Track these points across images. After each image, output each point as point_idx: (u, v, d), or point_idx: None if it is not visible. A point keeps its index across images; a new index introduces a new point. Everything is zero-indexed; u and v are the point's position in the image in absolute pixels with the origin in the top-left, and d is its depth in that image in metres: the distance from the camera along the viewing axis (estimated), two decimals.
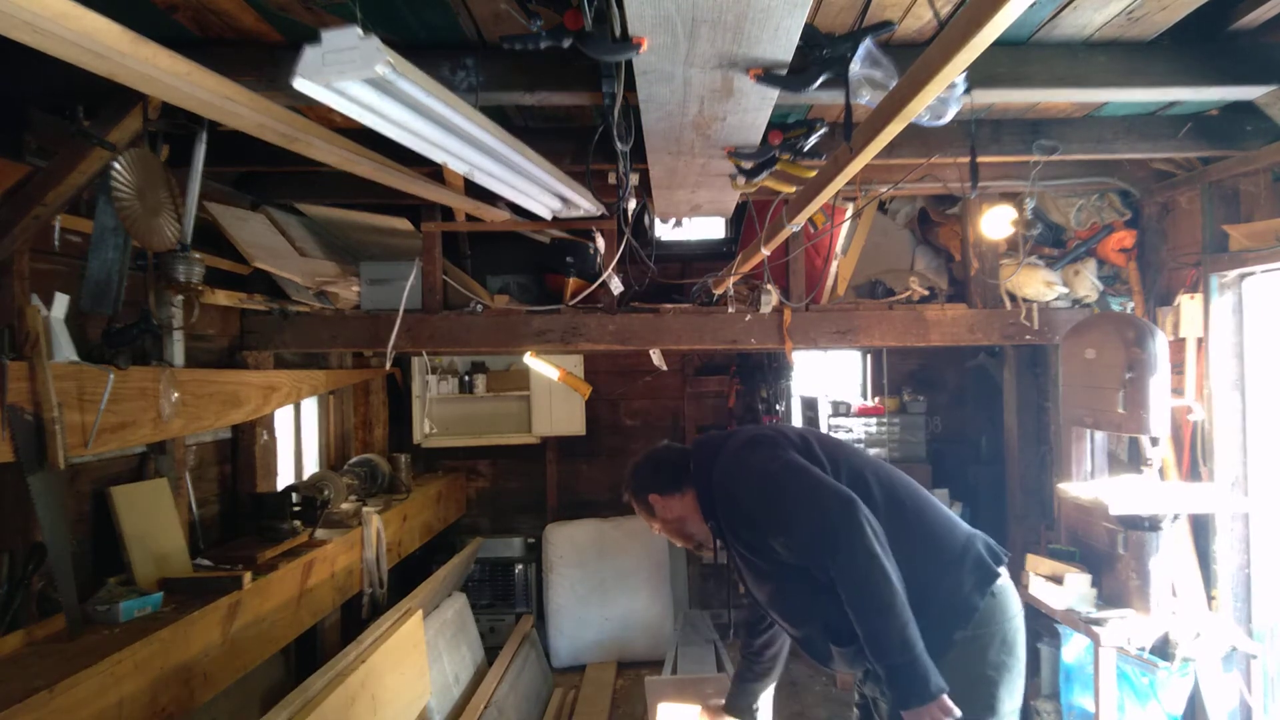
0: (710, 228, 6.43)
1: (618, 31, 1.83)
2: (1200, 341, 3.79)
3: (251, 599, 3.15)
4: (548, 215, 3.68)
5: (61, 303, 2.75)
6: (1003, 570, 2.25)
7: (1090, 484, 4.06)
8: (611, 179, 3.69)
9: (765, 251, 3.61)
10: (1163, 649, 3.48)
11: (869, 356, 6.40)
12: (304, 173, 4.04)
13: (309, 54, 1.69)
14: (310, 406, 5.16)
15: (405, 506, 4.94)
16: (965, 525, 2.33)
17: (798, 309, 4.46)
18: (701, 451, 2.47)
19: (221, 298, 3.78)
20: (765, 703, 2.75)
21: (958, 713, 1.99)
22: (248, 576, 3.14)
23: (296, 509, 3.90)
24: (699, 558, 6.30)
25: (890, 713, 2.17)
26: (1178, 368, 3.84)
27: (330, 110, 1.95)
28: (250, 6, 2.36)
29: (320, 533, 4.01)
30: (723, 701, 2.76)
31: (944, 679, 2.01)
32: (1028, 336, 4.41)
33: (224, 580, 3.10)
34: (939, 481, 5.47)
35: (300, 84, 1.74)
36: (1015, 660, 2.22)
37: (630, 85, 2.22)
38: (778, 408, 6.13)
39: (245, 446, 4.15)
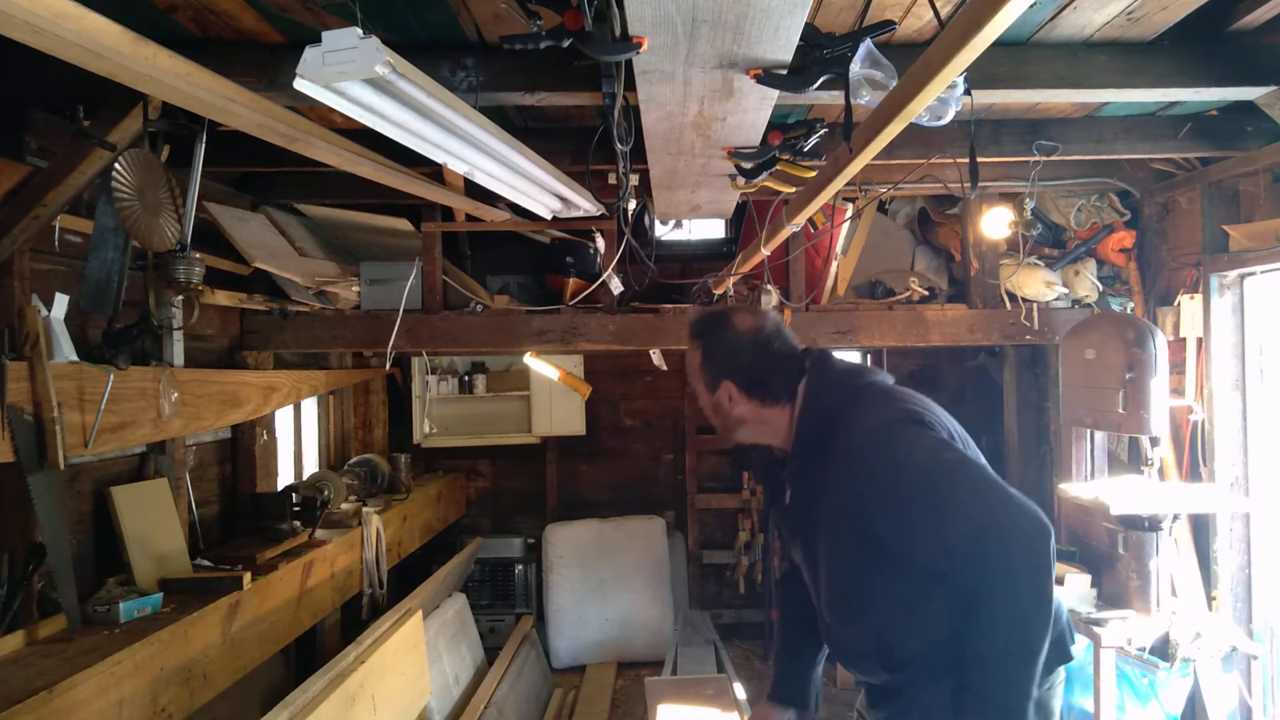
0: (710, 228, 6.43)
1: (618, 31, 1.83)
2: (1200, 341, 3.79)
3: (251, 599, 3.15)
4: (548, 215, 3.68)
5: (61, 303, 2.75)
6: (1073, 654, 1.96)
7: (1090, 484, 4.05)
8: (611, 179, 3.69)
9: (765, 251, 3.61)
10: (1163, 649, 3.48)
11: (869, 356, 6.40)
12: (304, 173, 4.04)
13: (309, 54, 1.69)
14: (310, 406, 5.16)
15: (405, 507, 4.94)
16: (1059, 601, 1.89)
17: (798, 309, 4.46)
18: (825, 389, 1.93)
19: (221, 298, 3.78)
20: (817, 684, 2.26)
21: None
22: (248, 577, 3.14)
23: (296, 509, 3.90)
24: (699, 558, 6.31)
25: None
26: (1178, 368, 3.84)
27: (330, 110, 1.95)
28: (250, 6, 2.36)
29: (320, 533, 4.01)
30: (768, 697, 2.27)
31: None
32: (1028, 336, 4.41)
33: (224, 580, 3.10)
34: None
35: (300, 84, 1.74)
36: None
37: (630, 85, 2.22)
38: None
39: (245, 446, 4.15)
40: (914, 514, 1.72)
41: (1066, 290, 4.41)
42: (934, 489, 1.70)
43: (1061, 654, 1.88)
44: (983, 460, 1.78)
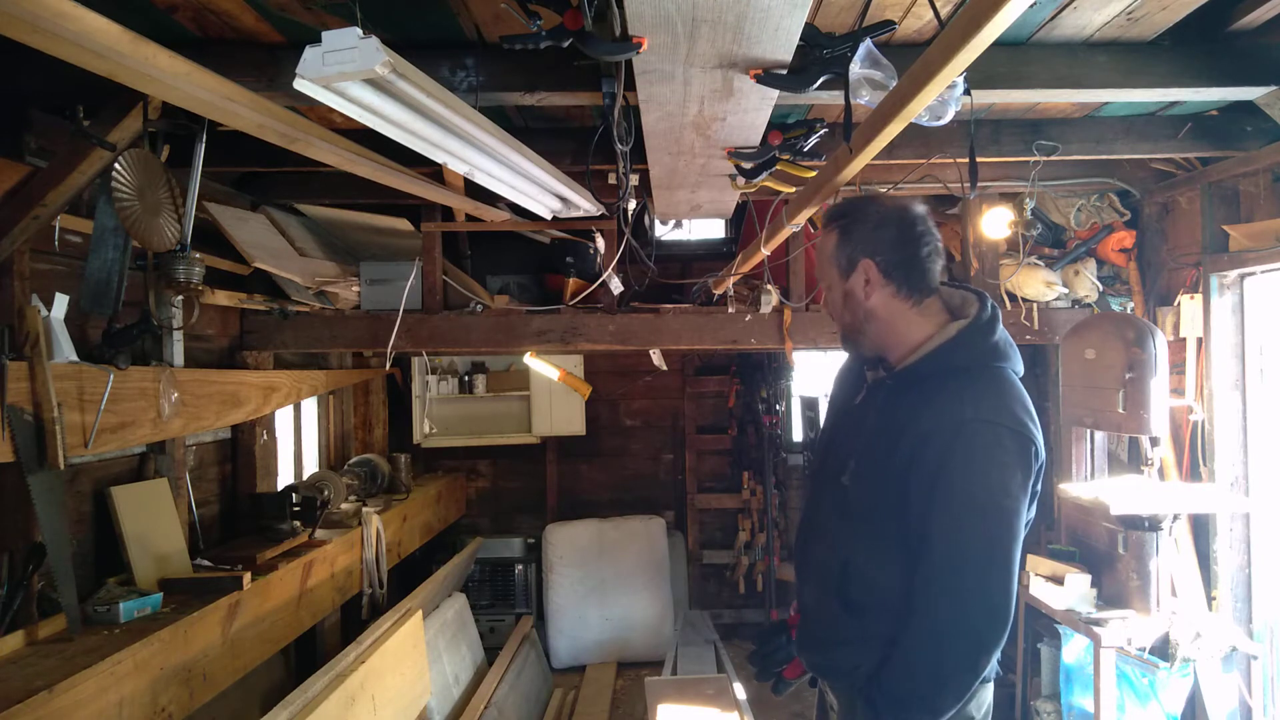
0: (710, 228, 6.43)
1: (618, 31, 1.83)
2: (1200, 341, 3.79)
3: (251, 599, 3.15)
4: (548, 215, 3.68)
5: (61, 303, 2.75)
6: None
7: (1090, 484, 4.05)
8: (611, 179, 3.69)
9: (765, 251, 3.61)
10: (1163, 649, 3.48)
11: None
12: (304, 173, 4.04)
13: (309, 54, 1.69)
14: (310, 406, 5.16)
15: (405, 507, 4.94)
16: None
17: (798, 309, 4.46)
18: (981, 336, 1.86)
19: (221, 298, 3.78)
20: None
21: None
22: (248, 577, 3.14)
23: (296, 509, 3.90)
24: (699, 558, 6.31)
25: (842, 716, 2.02)
26: (1178, 368, 3.84)
27: (330, 110, 1.95)
28: (250, 6, 2.36)
29: (320, 533, 4.01)
30: None
31: None
32: (1028, 336, 4.41)
33: (224, 580, 3.10)
34: None
35: (300, 84, 1.75)
36: None
37: (630, 85, 2.22)
38: (778, 408, 6.13)
39: (245, 446, 4.15)
40: (939, 508, 1.74)
41: (1066, 290, 4.41)
42: (968, 507, 1.73)
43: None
44: (1023, 514, 1.77)
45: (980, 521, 1.72)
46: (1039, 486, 1.82)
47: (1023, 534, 1.78)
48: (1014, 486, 1.74)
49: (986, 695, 1.94)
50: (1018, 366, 1.91)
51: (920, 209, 1.90)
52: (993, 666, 1.84)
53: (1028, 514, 1.80)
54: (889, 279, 1.88)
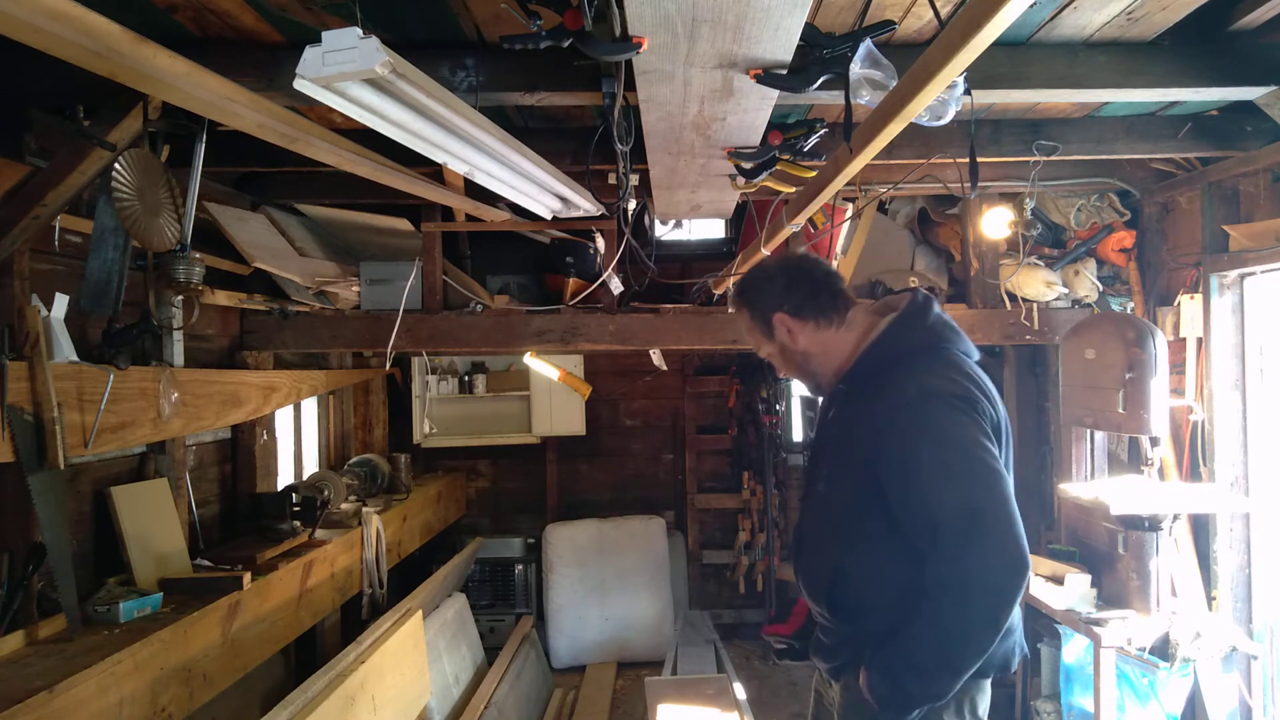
0: (710, 228, 6.44)
1: (618, 31, 1.83)
2: (1200, 341, 3.79)
3: (251, 599, 3.15)
4: (548, 215, 3.68)
5: (61, 303, 2.75)
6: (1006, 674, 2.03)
7: (1090, 484, 4.05)
8: (611, 179, 3.69)
9: (765, 251, 3.61)
10: (1163, 649, 3.48)
11: None
12: (304, 173, 4.04)
13: (309, 54, 1.69)
14: (310, 406, 5.16)
15: (405, 507, 4.94)
16: (1019, 621, 2.01)
17: None
18: (914, 321, 1.98)
19: (221, 298, 3.78)
20: None
21: None
22: (247, 577, 3.14)
23: (296, 509, 3.90)
24: (699, 558, 6.31)
25: (843, 710, 2.04)
26: (1178, 368, 3.84)
27: (330, 110, 1.95)
28: (250, 6, 2.36)
29: (320, 533, 4.01)
30: None
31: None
32: (1028, 336, 4.41)
33: (224, 580, 3.09)
34: None
35: (300, 84, 1.75)
36: None
37: (630, 85, 2.22)
38: (778, 408, 6.13)
39: (245, 446, 4.15)
40: (923, 481, 1.79)
41: (1066, 290, 4.41)
42: (948, 467, 1.77)
43: (1004, 664, 1.96)
44: (1002, 467, 1.82)
45: (965, 480, 1.76)
46: (1003, 440, 1.89)
47: (1008, 476, 1.82)
48: (981, 437, 1.81)
49: (986, 693, 1.98)
50: (964, 347, 2.00)
51: (798, 252, 2.05)
52: (1015, 623, 1.86)
53: (1009, 466, 1.86)
54: (803, 317, 2.04)
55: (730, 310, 2.24)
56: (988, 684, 2.01)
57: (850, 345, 2.04)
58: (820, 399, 2.20)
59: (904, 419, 1.84)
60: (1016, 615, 1.91)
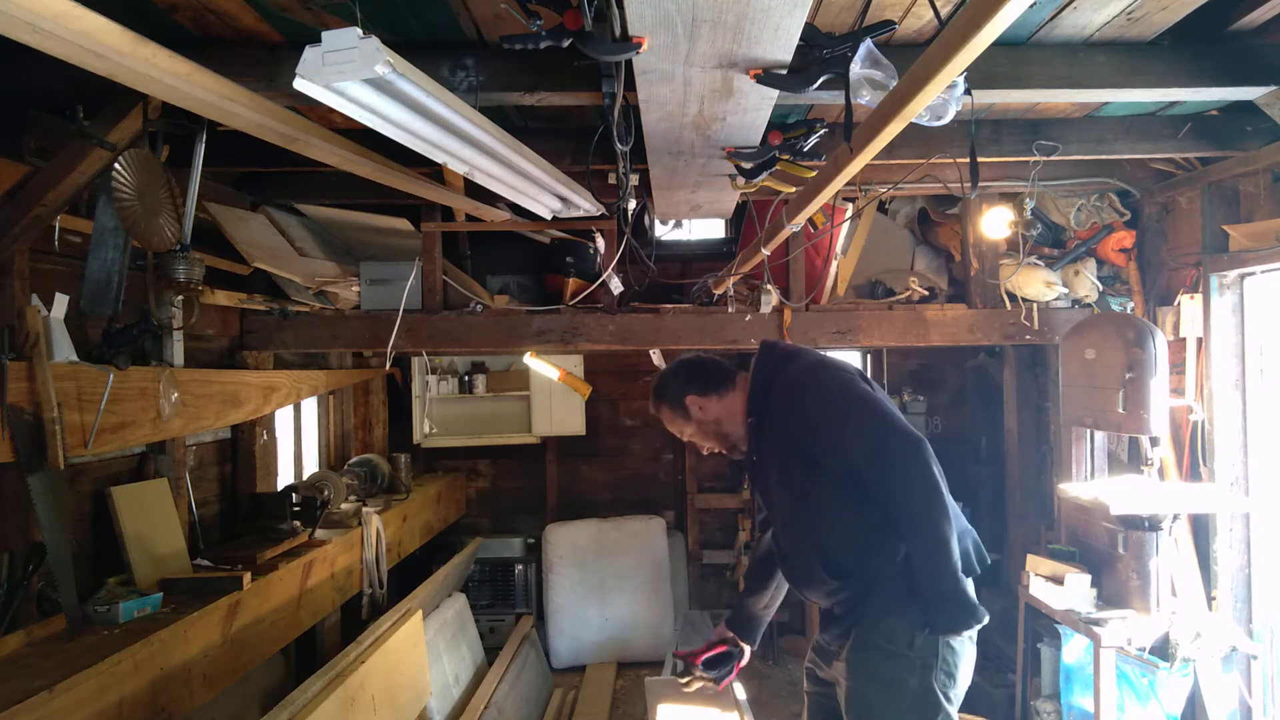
0: (710, 228, 6.43)
1: (618, 31, 1.83)
2: (1200, 341, 3.79)
3: (251, 599, 3.15)
4: (548, 215, 3.68)
5: (61, 303, 2.75)
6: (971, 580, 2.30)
7: (1090, 484, 4.05)
8: (611, 179, 3.69)
9: (765, 251, 3.61)
10: (1163, 649, 3.48)
11: (869, 356, 6.40)
12: (304, 173, 4.04)
13: (309, 54, 1.69)
14: (310, 406, 5.16)
15: (405, 507, 4.94)
16: (964, 520, 2.37)
17: (798, 309, 4.46)
18: (770, 355, 2.49)
19: (221, 298, 3.78)
20: (762, 625, 2.84)
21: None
22: (247, 577, 3.14)
23: (296, 509, 3.90)
24: (699, 558, 6.31)
25: (850, 689, 2.27)
26: (1178, 368, 3.84)
27: (330, 110, 1.95)
28: (250, 6, 2.36)
29: (320, 533, 4.01)
30: (725, 621, 2.88)
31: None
32: (1028, 336, 4.41)
33: (224, 580, 3.09)
34: None
35: (300, 84, 1.74)
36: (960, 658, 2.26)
37: (630, 85, 2.22)
38: None
39: (245, 446, 4.15)
40: (828, 434, 2.25)
41: (1066, 290, 4.41)
42: (841, 414, 2.24)
43: (965, 568, 2.24)
44: (880, 395, 2.32)
45: (857, 415, 2.23)
46: (875, 388, 2.36)
47: (886, 400, 2.33)
48: (851, 384, 2.31)
49: (965, 654, 2.24)
50: (810, 350, 2.56)
51: (692, 355, 2.62)
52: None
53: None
54: (708, 394, 2.52)
55: (652, 411, 2.69)
56: (970, 644, 2.24)
57: (742, 399, 2.49)
58: (750, 446, 2.53)
59: (795, 400, 2.32)
60: (958, 520, 2.26)
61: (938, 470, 2.17)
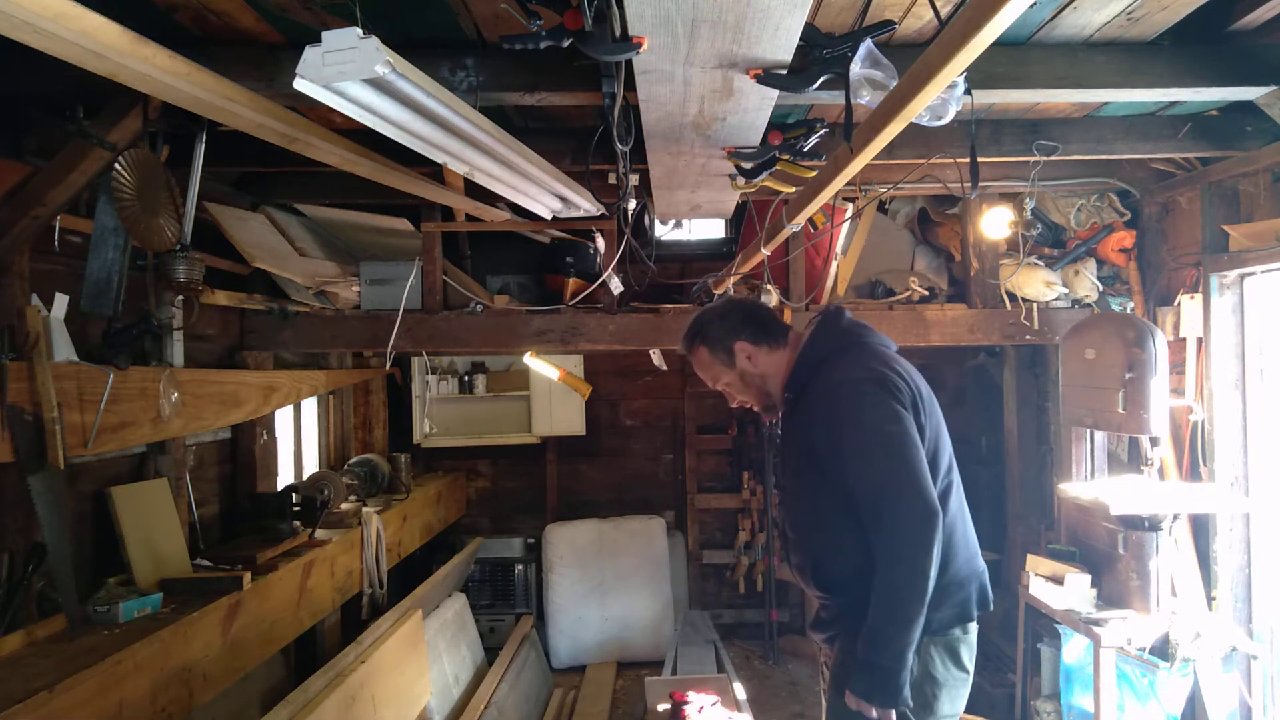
0: (710, 228, 6.43)
1: (618, 31, 1.83)
2: (1200, 341, 3.79)
3: (251, 599, 3.15)
4: (548, 215, 3.68)
5: (61, 303, 2.75)
6: (974, 623, 2.22)
7: (1090, 484, 4.05)
8: (611, 179, 3.69)
9: (765, 251, 3.61)
10: (1163, 649, 3.48)
11: None
12: (304, 173, 4.04)
13: (309, 54, 1.69)
14: (310, 406, 5.16)
15: (405, 507, 4.94)
16: (980, 560, 2.27)
17: (798, 309, 4.46)
18: (830, 332, 2.31)
19: (221, 298, 3.78)
20: None
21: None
22: (247, 577, 3.14)
23: (296, 509, 3.90)
24: (699, 558, 6.31)
25: (833, 678, 2.25)
26: (1178, 368, 3.85)
27: (330, 110, 1.95)
28: (250, 6, 2.36)
29: (320, 533, 4.01)
30: None
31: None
32: (1028, 336, 4.41)
33: (224, 580, 3.10)
34: None
35: (300, 84, 1.75)
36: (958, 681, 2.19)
37: (630, 85, 2.22)
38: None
39: (245, 446, 4.15)
40: (845, 459, 2.11)
41: (1066, 290, 4.41)
42: (865, 448, 2.08)
43: (963, 615, 2.18)
44: (916, 436, 2.09)
45: (877, 458, 2.05)
46: (924, 409, 2.18)
47: (921, 443, 2.09)
48: (891, 411, 2.09)
49: (970, 644, 2.19)
50: (879, 339, 2.33)
51: (742, 299, 2.38)
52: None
53: (929, 427, 2.16)
54: (759, 343, 2.34)
55: (681, 352, 2.47)
56: (972, 636, 2.20)
57: (788, 361, 2.34)
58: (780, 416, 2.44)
59: (829, 405, 2.16)
60: (971, 564, 2.19)
61: (937, 551, 2.00)
